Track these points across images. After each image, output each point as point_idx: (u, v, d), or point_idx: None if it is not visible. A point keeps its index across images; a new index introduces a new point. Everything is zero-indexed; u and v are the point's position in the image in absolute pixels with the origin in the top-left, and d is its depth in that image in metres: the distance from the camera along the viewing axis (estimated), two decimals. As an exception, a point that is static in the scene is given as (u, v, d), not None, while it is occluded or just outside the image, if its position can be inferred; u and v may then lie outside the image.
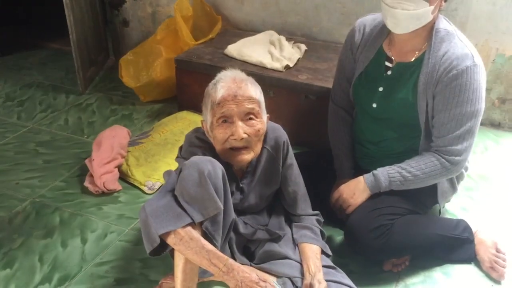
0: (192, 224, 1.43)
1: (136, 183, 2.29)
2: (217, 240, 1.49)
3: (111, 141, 2.35)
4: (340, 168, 2.00)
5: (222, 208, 1.45)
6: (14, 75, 3.44)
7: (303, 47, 2.76)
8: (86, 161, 2.36)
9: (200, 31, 3.08)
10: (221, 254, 1.43)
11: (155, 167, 2.32)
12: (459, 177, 1.92)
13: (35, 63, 3.65)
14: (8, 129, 2.78)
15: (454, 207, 2.13)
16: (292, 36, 2.95)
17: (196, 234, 1.42)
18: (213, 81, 1.64)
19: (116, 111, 2.97)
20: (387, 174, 1.78)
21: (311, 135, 2.48)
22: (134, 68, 2.99)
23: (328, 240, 1.86)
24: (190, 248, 1.40)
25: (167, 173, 1.60)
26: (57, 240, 1.99)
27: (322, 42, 2.91)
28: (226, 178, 1.51)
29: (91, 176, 2.28)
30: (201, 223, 1.45)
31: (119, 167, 2.34)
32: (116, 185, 2.25)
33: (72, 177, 2.37)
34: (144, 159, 2.37)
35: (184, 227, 1.41)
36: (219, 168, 1.48)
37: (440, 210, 1.91)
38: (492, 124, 2.75)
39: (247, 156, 1.59)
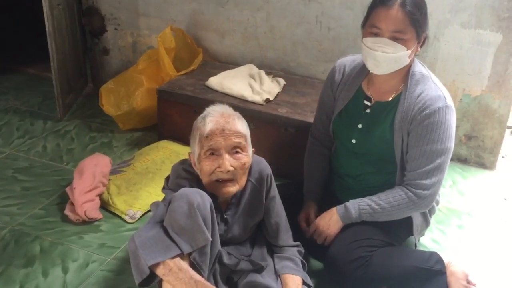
0: (181, 255, 1.47)
1: (117, 212, 2.31)
2: (204, 271, 1.53)
3: (93, 170, 2.37)
4: (307, 192, 2.10)
5: (211, 239, 1.50)
6: (-10, 99, 3.42)
7: (282, 81, 2.86)
8: (67, 189, 2.36)
9: (181, 62, 3.14)
10: (209, 284, 1.48)
11: (137, 196, 2.35)
12: (431, 211, 2.03)
13: (11, 87, 3.62)
14: (-16, 155, 2.76)
15: (426, 240, 2.23)
16: (271, 70, 3.05)
17: (184, 265, 1.46)
18: (201, 115, 1.71)
19: (95, 139, 2.98)
20: (357, 206, 1.88)
21: (291, 167, 2.54)
22: (115, 97, 3.02)
23: (309, 270, 1.92)
24: (179, 278, 1.44)
25: (155, 205, 1.64)
26: (38, 269, 1.98)
27: (300, 76, 3.02)
28: (214, 210, 1.57)
29: (72, 204, 2.28)
30: (189, 254, 1.50)
31: (100, 195, 2.35)
32: (97, 214, 2.26)
33: (51, 205, 2.36)
34: (125, 188, 2.39)
35: (173, 258, 1.46)
36: (207, 200, 1.54)
37: (416, 244, 2.00)
38: (459, 160, 2.89)
39: (233, 189, 1.66)
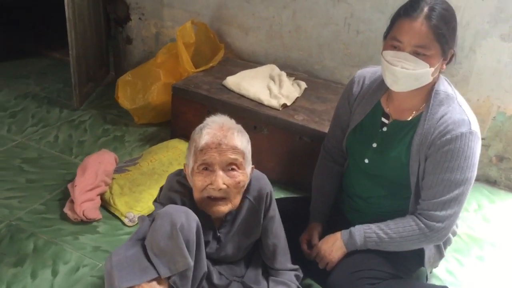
0: (159, 278, 1.37)
1: (117, 213, 2.23)
2: (184, 297, 1.42)
3: (96, 168, 2.29)
4: (314, 211, 1.95)
5: (192, 264, 1.40)
6: (11, 83, 3.40)
7: (303, 85, 2.71)
8: (69, 186, 2.30)
9: (202, 57, 3.04)
10: (185, 313, 1.37)
11: (139, 198, 2.26)
12: (446, 242, 1.85)
13: (34, 72, 3.61)
14: (-4, 141, 2.73)
15: (439, 270, 2.06)
16: (293, 72, 2.90)
17: (160, 289, 1.36)
18: (200, 125, 1.59)
19: (108, 131, 2.91)
20: (363, 233, 1.73)
21: (303, 178, 2.41)
22: (131, 90, 2.94)
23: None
24: (153, 305, 1.34)
25: (141, 219, 1.54)
26: (28, 269, 1.92)
27: (323, 80, 2.86)
28: (201, 231, 1.46)
29: (72, 202, 2.22)
30: (169, 277, 1.39)
31: (101, 194, 2.28)
32: (96, 214, 2.19)
33: (53, 201, 2.31)
34: (128, 189, 2.30)
35: (149, 281, 1.35)
36: (193, 220, 1.42)
37: (427, 276, 1.84)
38: (488, 181, 2.68)
39: (224, 208, 1.53)
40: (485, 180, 2.67)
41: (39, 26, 4.28)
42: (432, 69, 1.58)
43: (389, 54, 1.60)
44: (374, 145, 1.77)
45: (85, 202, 2.17)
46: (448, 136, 1.60)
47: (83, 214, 2.15)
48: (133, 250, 1.40)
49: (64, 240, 2.08)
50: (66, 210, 2.20)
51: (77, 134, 2.86)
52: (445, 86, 1.69)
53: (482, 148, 2.52)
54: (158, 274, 1.35)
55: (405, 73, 1.58)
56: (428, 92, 1.68)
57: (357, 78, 1.87)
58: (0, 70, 3.58)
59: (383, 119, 1.77)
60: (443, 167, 1.62)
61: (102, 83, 3.48)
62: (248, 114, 2.49)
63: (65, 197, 2.31)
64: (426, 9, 1.54)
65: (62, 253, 2.01)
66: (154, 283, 1.36)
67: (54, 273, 1.92)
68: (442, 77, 1.70)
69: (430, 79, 1.61)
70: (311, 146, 2.38)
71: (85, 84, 3.18)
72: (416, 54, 1.55)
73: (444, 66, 1.64)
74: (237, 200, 1.56)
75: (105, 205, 2.28)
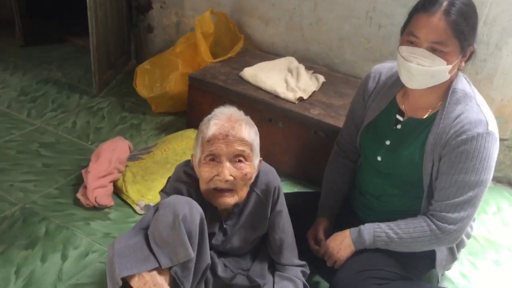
0: (160, 268, 1.36)
1: (129, 201, 2.24)
2: (185, 287, 1.42)
3: (109, 155, 2.31)
4: (322, 206, 1.92)
5: (193, 256, 1.38)
6: (34, 68, 3.44)
7: (321, 78, 2.67)
8: (83, 172, 2.32)
9: (221, 47, 3.02)
10: (184, 304, 1.36)
11: (151, 187, 2.26)
12: (460, 245, 1.80)
13: (57, 57, 3.65)
14: (15, 125, 2.77)
15: (453, 273, 2.01)
16: (313, 65, 2.86)
17: (160, 280, 1.36)
18: (208, 116, 1.57)
19: (125, 119, 2.93)
20: (372, 232, 1.69)
21: (317, 173, 2.36)
22: (149, 78, 2.94)
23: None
24: (153, 295, 1.34)
25: (147, 208, 1.54)
26: (38, 253, 1.95)
27: (342, 74, 2.81)
28: (205, 223, 1.45)
29: (85, 188, 2.24)
30: (170, 268, 1.38)
31: (114, 182, 2.29)
32: (108, 201, 2.20)
33: (67, 185, 2.33)
34: (141, 177, 2.31)
35: (150, 271, 1.35)
36: (196, 212, 1.41)
37: (438, 279, 1.79)
38: (510, 183, 2.60)
39: (230, 200, 1.52)
40: (507, 182, 2.59)
41: (64, 12, 4.32)
42: (449, 66, 1.52)
43: (405, 49, 1.55)
44: (388, 142, 1.73)
45: (97, 189, 2.19)
46: (464, 136, 1.55)
47: (95, 200, 2.16)
48: (136, 239, 1.39)
49: (75, 225, 2.10)
50: (79, 195, 2.22)
51: (94, 121, 2.88)
52: (463, 84, 1.63)
53: (505, 150, 2.46)
54: (159, 264, 1.35)
55: (420, 70, 1.53)
56: (445, 90, 1.62)
57: (373, 73, 1.83)
58: (24, 55, 3.63)
59: (398, 116, 1.73)
60: (457, 168, 1.57)
61: (122, 70, 3.49)
62: (263, 106, 2.46)
63: (79, 182, 2.33)
64: (445, 4, 1.48)
65: (73, 238, 2.03)
66: (155, 272, 1.35)
67: (64, 258, 1.94)
68: (460, 74, 1.64)
69: (447, 76, 1.56)
70: (326, 141, 2.35)
71: (105, 72, 3.19)
72: (433, 50, 1.50)
73: (463, 64, 1.58)
74: (243, 192, 1.54)
75: (118, 192, 2.29)
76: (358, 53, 2.78)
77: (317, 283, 1.91)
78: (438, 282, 1.83)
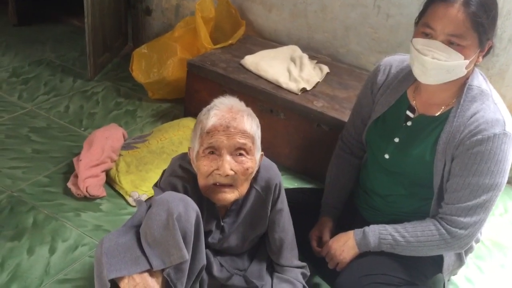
0: (151, 270, 1.27)
1: (121, 192, 2.14)
2: (179, 290, 1.33)
3: (102, 143, 2.20)
4: (325, 205, 1.83)
5: (188, 258, 1.29)
6: (26, 49, 3.32)
7: (326, 69, 2.56)
8: (74, 160, 2.22)
9: (221, 33, 2.91)
10: (176, 309, 1.28)
11: (145, 178, 2.16)
12: (468, 249, 1.72)
13: (51, 38, 3.52)
14: (5, 108, 2.65)
15: (458, 277, 1.92)
16: (316, 54, 2.75)
17: (152, 282, 1.26)
18: (207, 107, 1.47)
19: (120, 105, 2.82)
20: (378, 234, 1.60)
21: (318, 167, 2.28)
22: (146, 63, 2.83)
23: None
24: (144, 298, 1.24)
25: (139, 203, 1.44)
26: (25, 245, 1.85)
27: (347, 65, 2.70)
28: (201, 222, 1.35)
29: (76, 177, 2.14)
30: (163, 269, 1.29)
31: (107, 171, 2.19)
32: (100, 191, 2.10)
33: (57, 173, 2.23)
34: (135, 167, 2.21)
35: (141, 273, 1.26)
36: (192, 210, 1.32)
37: (444, 284, 1.71)
38: (517, 184, 2.51)
39: (230, 196, 1.42)
40: (515, 182, 2.50)
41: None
42: (467, 61, 1.42)
43: (420, 42, 1.45)
44: (396, 140, 1.63)
45: (89, 178, 2.09)
46: (479, 137, 1.45)
47: (87, 191, 2.07)
48: (126, 237, 1.30)
49: (65, 216, 2.00)
50: (69, 184, 2.12)
51: (88, 106, 2.77)
52: (479, 81, 1.53)
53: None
54: (151, 266, 1.26)
55: (436, 64, 1.43)
56: (460, 86, 1.52)
57: (382, 66, 1.72)
58: (17, 34, 3.50)
59: (408, 113, 1.63)
60: (471, 169, 1.48)
61: (119, 54, 3.37)
62: (265, 96, 2.36)
63: (70, 170, 2.23)
64: (464, -6, 1.38)
65: (62, 230, 1.94)
66: (146, 274, 1.26)
67: (52, 251, 1.84)
68: (477, 70, 1.54)
69: (463, 72, 1.46)
70: (329, 134, 2.25)
71: (100, 54, 3.08)
72: (449, 43, 1.40)
73: (480, 59, 1.49)
74: (244, 188, 1.44)
75: (110, 183, 2.19)
76: (364, 43, 2.67)
77: (318, 285, 1.82)
78: (444, 287, 1.75)
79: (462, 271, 1.91)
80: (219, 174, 1.38)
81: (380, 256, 1.62)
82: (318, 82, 2.47)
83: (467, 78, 1.51)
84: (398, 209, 1.69)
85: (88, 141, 2.25)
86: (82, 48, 3.33)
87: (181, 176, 1.48)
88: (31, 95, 2.80)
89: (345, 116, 2.19)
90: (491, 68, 2.34)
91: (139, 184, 2.14)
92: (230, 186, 1.41)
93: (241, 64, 2.55)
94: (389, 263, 1.61)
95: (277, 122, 2.36)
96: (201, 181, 1.43)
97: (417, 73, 1.50)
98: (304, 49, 2.74)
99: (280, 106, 2.34)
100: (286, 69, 2.50)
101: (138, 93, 2.93)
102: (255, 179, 1.51)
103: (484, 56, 1.49)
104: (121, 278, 1.25)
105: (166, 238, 1.26)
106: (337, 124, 2.20)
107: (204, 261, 1.41)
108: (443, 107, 1.56)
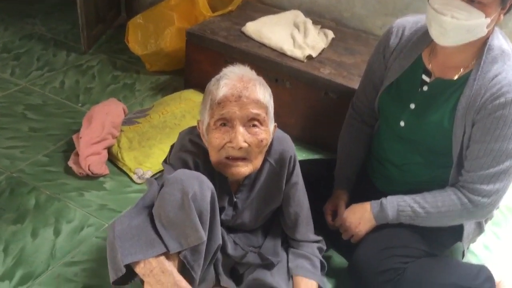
0: (168, 253, 1.21)
1: (125, 169, 2.07)
2: (196, 272, 1.27)
3: (103, 119, 2.12)
4: (339, 176, 1.76)
5: (205, 238, 1.23)
6: (16, 23, 3.19)
7: (331, 34, 2.47)
8: (74, 137, 2.13)
9: (219, 0, 2.79)
10: (195, 293, 1.22)
11: (149, 153, 2.09)
12: (488, 217, 1.66)
13: (41, 11, 3.38)
14: (-2, 85, 2.56)
15: (476, 245, 1.88)
16: (320, 19, 2.65)
17: (169, 266, 1.20)
18: (216, 76, 1.38)
19: (117, 79, 2.72)
20: (396, 206, 1.54)
21: (328, 137, 2.21)
22: (143, 34, 2.72)
23: (329, 269, 1.63)
24: (160, 282, 1.19)
25: (149, 182, 1.36)
26: (28, 227, 1.78)
27: (352, 30, 2.61)
28: (216, 200, 1.29)
29: (77, 155, 2.06)
30: (179, 251, 1.23)
31: (108, 148, 2.11)
32: (103, 169, 2.03)
33: (57, 152, 2.15)
34: (137, 142, 2.13)
35: (157, 256, 1.19)
36: (207, 188, 1.25)
37: (463, 252, 1.67)
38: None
39: (244, 169, 1.35)
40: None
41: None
42: (488, 19, 1.34)
43: (438, 1, 1.35)
44: (412, 106, 1.56)
45: (90, 156, 2.01)
46: (502, 100, 1.38)
47: (89, 169, 1.99)
48: (139, 219, 1.23)
49: (68, 196, 1.93)
50: (70, 163, 2.05)
51: (84, 80, 2.67)
52: (500, 40, 1.45)
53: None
54: (167, 249, 1.19)
55: (455, 24, 1.34)
56: (480, 47, 1.44)
57: (395, 28, 1.63)
58: (5, 8, 3.35)
59: (424, 77, 1.55)
60: (493, 135, 1.41)
61: (112, 25, 3.25)
62: (269, 65, 2.27)
63: (70, 148, 2.15)
64: None
65: (66, 211, 1.87)
66: (162, 258, 1.20)
67: (56, 233, 1.78)
68: (497, 30, 1.45)
69: (484, 31, 1.37)
70: (337, 103, 2.17)
71: (94, 26, 2.95)
72: (470, 1, 1.31)
73: (501, 17, 1.40)
74: (258, 161, 1.37)
75: (113, 160, 2.12)
76: (369, 6, 2.56)
77: (330, 257, 1.77)
78: (463, 255, 1.71)
79: (480, 238, 1.87)
80: (232, 147, 1.30)
81: (398, 228, 1.57)
82: (324, 48, 2.37)
83: (487, 38, 1.43)
84: (413, 178, 1.63)
85: (87, 117, 2.16)
86: (74, 21, 3.19)
87: (191, 151, 1.41)
88: (24, 71, 2.70)
89: (353, 83, 2.12)
90: (504, 27, 2.25)
91: (143, 161, 2.06)
92: (243, 159, 1.34)
93: (242, 32, 2.44)
94: (408, 235, 1.56)
95: (282, 92, 2.28)
96: (213, 155, 1.35)
97: (435, 34, 1.41)
98: (307, 13, 2.64)
99: (286, 74, 2.25)
100: (290, 35, 2.40)
101: (135, 65, 2.83)
102: (268, 152, 1.44)
103: (505, 14, 1.41)
104: (137, 262, 1.19)
105: (182, 219, 1.19)
106: (345, 91, 2.12)
107: (220, 241, 1.35)
108: (461, 70, 1.48)
